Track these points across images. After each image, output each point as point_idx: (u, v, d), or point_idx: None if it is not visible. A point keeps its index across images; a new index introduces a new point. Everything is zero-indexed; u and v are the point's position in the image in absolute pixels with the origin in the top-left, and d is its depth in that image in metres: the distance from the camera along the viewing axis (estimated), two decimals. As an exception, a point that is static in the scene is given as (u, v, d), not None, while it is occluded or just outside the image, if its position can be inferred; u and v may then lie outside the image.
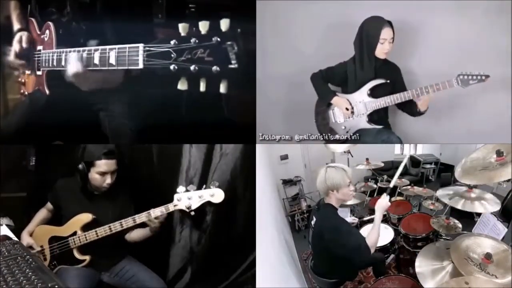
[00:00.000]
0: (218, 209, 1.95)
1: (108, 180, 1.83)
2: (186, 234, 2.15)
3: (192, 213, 1.83)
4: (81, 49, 1.50)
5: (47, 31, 1.66)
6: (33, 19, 1.76)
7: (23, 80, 1.85)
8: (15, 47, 1.71)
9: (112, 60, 1.39)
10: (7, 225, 2.00)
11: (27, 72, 1.77)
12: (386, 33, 1.97)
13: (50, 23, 1.65)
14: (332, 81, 2.19)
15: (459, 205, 2.03)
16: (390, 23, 1.98)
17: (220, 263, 2.12)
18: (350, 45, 2.10)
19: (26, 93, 1.84)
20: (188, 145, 2.12)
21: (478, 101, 2.19)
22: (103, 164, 1.80)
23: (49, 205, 1.97)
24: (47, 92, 1.69)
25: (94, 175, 1.82)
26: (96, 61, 1.44)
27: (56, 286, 1.01)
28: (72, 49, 1.51)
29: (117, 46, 1.38)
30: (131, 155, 2.20)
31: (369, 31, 2.00)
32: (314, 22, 2.31)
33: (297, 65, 2.34)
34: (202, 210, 1.87)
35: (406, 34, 2.16)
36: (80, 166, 1.81)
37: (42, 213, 1.97)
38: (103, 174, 1.82)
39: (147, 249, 1.99)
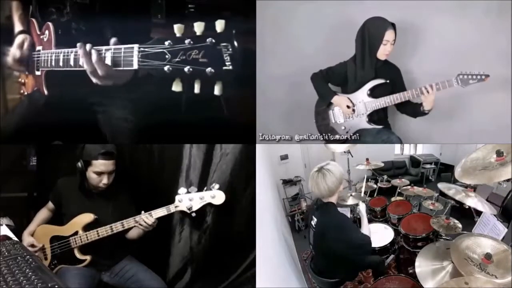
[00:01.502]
0: (218, 209, 1.95)
1: (105, 180, 1.83)
2: (186, 234, 2.14)
3: (193, 214, 1.84)
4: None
5: (47, 32, 1.64)
6: (33, 20, 1.74)
7: (23, 81, 1.84)
8: (16, 52, 1.68)
9: (108, 61, 1.38)
10: (7, 225, 2.00)
11: (27, 72, 1.76)
12: (389, 35, 1.97)
13: (49, 23, 1.63)
14: (332, 81, 2.19)
15: (459, 196, 2.03)
16: (393, 25, 1.98)
17: (220, 263, 2.12)
18: (350, 45, 2.10)
19: (26, 93, 1.83)
20: (188, 145, 2.12)
21: (478, 101, 2.19)
22: (100, 164, 1.80)
23: (50, 204, 1.97)
24: (46, 92, 1.67)
25: (91, 174, 1.82)
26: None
27: (56, 286, 1.01)
28: (71, 50, 1.50)
29: (113, 47, 1.37)
30: (131, 155, 2.20)
31: (372, 32, 2.00)
32: (314, 22, 2.31)
33: (297, 65, 2.34)
34: (202, 210, 1.87)
35: (406, 34, 2.16)
36: (79, 164, 1.82)
37: (43, 213, 1.97)
38: (99, 174, 1.82)
39: (147, 249, 1.99)
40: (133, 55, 1.30)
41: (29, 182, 2.42)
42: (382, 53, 2.02)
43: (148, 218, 1.78)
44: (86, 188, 1.87)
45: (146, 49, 1.28)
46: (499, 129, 2.17)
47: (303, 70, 2.25)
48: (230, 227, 2.09)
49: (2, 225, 1.93)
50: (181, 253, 2.16)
